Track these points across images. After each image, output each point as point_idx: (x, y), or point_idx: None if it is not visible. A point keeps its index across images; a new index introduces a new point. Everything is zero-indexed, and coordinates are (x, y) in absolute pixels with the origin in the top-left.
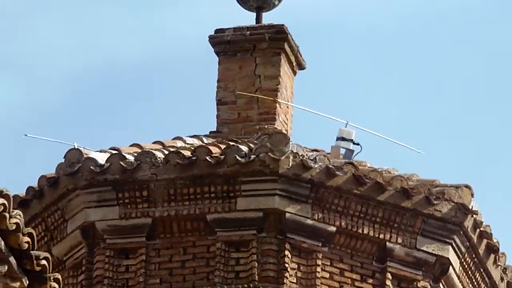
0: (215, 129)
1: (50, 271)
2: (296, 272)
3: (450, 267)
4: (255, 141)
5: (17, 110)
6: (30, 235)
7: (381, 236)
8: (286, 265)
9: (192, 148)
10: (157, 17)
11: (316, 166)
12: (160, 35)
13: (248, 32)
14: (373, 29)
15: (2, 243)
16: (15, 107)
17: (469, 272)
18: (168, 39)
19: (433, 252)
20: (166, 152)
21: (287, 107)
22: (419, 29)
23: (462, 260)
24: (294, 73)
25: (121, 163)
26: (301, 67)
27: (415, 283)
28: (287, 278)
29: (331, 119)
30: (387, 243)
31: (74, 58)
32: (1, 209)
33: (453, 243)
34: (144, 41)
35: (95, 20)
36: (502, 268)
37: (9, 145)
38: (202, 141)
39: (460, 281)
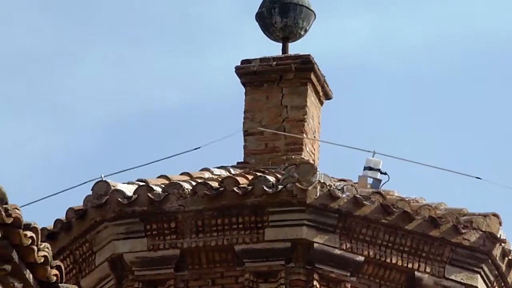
0: (242, 160)
1: None
2: None
3: None
4: (283, 172)
5: (54, 152)
6: (58, 267)
7: (410, 265)
8: None
9: (220, 179)
10: (186, 54)
11: (344, 196)
12: (190, 73)
13: (275, 63)
14: (398, 60)
15: (31, 276)
16: (52, 149)
17: None
18: (197, 77)
19: (462, 281)
20: (194, 183)
21: (314, 137)
22: (445, 61)
23: None
24: (321, 103)
25: (149, 194)
26: (327, 97)
27: None
28: None
29: (358, 149)
30: (416, 272)
31: (108, 103)
32: (29, 242)
33: (482, 272)
34: (176, 81)
35: (130, 66)
36: None
37: (45, 183)
38: (230, 172)
39: None
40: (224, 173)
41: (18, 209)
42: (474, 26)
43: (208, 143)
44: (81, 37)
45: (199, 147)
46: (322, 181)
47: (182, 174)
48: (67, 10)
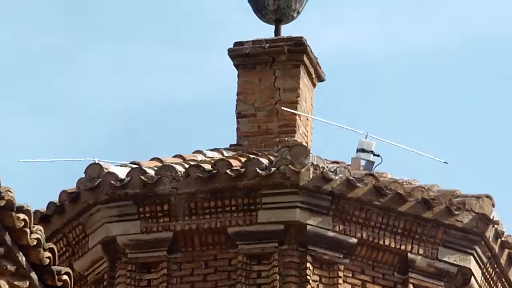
0: (235, 142)
1: (72, 286)
2: (318, 284)
3: (472, 277)
4: (275, 154)
5: (57, 145)
6: (51, 250)
7: (403, 247)
8: (308, 277)
9: (213, 162)
10: (182, 43)
11: (337, 178)
12: (186, 61)
13: (267, 45)
14: (391, 40)
15: (24, 258)
16: (56, 142)
17: (491, 282)
18: (194, 65)
19: (455, 262)
20: (187, 166)
21: (307, 119)
22: (438, 52)
23: (484, 270)
24: (314, 85)
25: (142, 177)
26: (320, 79)
27: None
28: None
29: (351, 130)
30: (409, 254)
31: (113, 97)
32: (22, 225)
33: (475, 254)
34: (173, 72)
35: (134, 61)
36: None
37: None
38: (223, 154)
39: None
40: (217, 155)
41: (11, 192)
42: (466, 25)
43: None
44: (85, 33)
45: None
46: (315, 163)
47: (175, 156)
48: (72, 7)
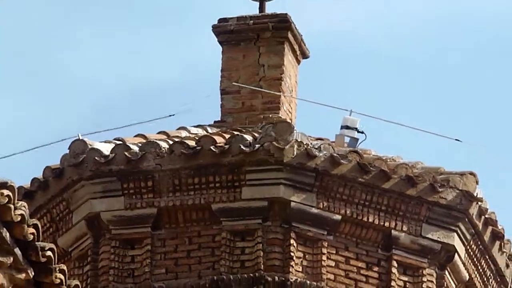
0: (219, 119)
1: (56, 262)
2: (301, 261)
3: (456, 254)
4: (260, 131)
5: (41, 129)
6: (35, 226)
7: (386, 224)
8: (292, 254)
9: (197, 138)
10: (166, 18)
11: (321, 154)
12: (170, 38)
13: (252, 22)
14: (375, 18)
15: (7, 234)
16: (38, 126)
17: (475, 259)
18: (178, 41)
19: (439, 239)
20: (171, 142)
21: (291, 96)
22: (422, 21)
23: (468, 247)
24: (298, 62)
25: (126, 153)
26: (304, 56)
27: (420, 270)
28: (292, 267)
29: (335, 108)
30: (393, 231)
31: (98, 76)
32: (6, 201)
33: (458, 231)
34: (158, 50)
35: (116, 42)
36: (507, 255)
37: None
38: (207, 131)
39: (466, 268)
40: (201, 132)
41: None
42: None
43: (183, 109)
44: (69, 13)
45: (173, 114)
46: (299, 140)
47: (159, 133)
48: None
